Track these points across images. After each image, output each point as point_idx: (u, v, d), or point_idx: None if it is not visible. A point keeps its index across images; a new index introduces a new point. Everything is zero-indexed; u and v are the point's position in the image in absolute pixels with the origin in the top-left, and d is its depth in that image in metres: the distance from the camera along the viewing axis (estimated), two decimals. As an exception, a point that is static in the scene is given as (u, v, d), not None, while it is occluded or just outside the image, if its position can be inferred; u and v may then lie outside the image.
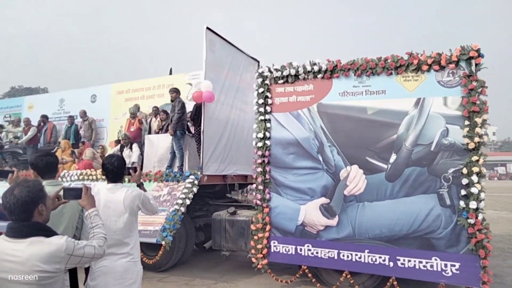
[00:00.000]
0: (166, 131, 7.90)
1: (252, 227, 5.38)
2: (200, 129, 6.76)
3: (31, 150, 9.81)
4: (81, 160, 8.71)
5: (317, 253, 5.02)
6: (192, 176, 5.99)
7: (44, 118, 10.51)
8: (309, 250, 5.07)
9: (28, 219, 1.86)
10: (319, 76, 5.14)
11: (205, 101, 6.22)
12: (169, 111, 8.35)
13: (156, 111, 8.80)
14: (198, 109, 6.98)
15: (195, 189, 5.84)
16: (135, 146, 7.74)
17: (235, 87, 7.22)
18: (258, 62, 8.38)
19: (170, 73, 11.37)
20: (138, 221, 2.85)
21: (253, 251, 5.34)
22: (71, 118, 10.13)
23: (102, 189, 2.74)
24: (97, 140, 10.10)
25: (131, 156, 7.66)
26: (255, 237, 5.32)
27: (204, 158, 6.19)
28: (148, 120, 8.94)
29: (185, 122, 7.05)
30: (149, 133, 8.71)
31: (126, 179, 4.77)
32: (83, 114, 9.99)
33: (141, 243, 5.48)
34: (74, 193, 2.27)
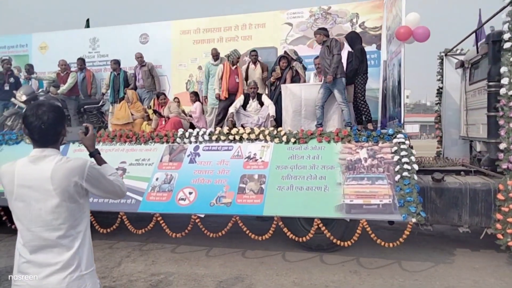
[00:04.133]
0: (285, 81, 6.40)
1: (500, 196, 4.37)
2: (363, 77, 5.49)
3: (73, 103, 7.56)
4: (160, 118, 6.82)
5: None
6: (400, 135, 4.70)
7: (82, 63, 8.12)
8: None
9: None
10: None
11: (417, 40, 4.83)
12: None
13: (255, 56, 7.09)
14: (362, 52, 5.58)
15: (414, 152, 4.60)
16: (266, 98, 6.08)
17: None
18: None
19: (87, 25, 9.50)
20: None
21: (498, 226, 4.37)
22: (117, 63, 7.93)
23: (20, 161, 1.70)
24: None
25: (260, 110, 6.02)
26: (504, 209, 4.33)
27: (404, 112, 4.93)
28: (244, 68, 7.20)
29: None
30: (247, 83, 7.04)
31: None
32: (141, 58, 7.83)
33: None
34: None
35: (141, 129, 6.93)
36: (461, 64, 6.53)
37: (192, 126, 7.07)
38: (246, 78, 7.09)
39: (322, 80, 6.30)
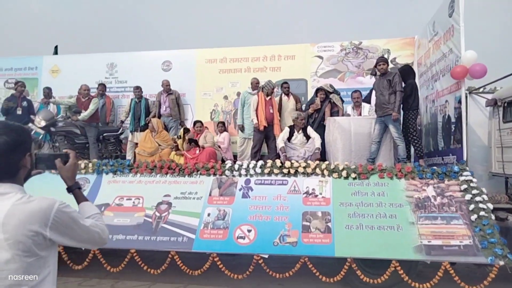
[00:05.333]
0: (323, 113, 6.34)
1: None
2: (415, 112, 5.50)
3: (93, 130, 7.08)
4: (192, 148, 6.50)
5: None
6: (467, 173, 4.62)
7: (103, 89, 7.75)
8: None
9: None
10: None
11: (473, 77, 4.86)
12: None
13: (287, 88, 6.99)
14: (414, 86, 5.61)
15: (484, 190, 4.50)
16: (312, 131, 5.90)
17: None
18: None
19: (56, 52, 9.31)
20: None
21: None
22: (139, 91, 7.61)
23: None
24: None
25: (306, 143, 5.83)
26: None
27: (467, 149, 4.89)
28: (277, 99, 7.06)
29: None
30: (280, 115, 6.88)
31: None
32: (168, 86, 7.56)
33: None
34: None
35: (169, 159, 6.55)
36: (495, 102, 6.66)
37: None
38: (279, 110, 6.94)
39: (362, 113, 6.27)
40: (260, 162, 5.20)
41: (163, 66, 8.23)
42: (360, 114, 6.30)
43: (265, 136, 6.63)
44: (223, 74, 7.96)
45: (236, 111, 7.59)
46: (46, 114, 6.60)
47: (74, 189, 1.59)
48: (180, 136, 6.94)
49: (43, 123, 6.50)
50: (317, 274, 4.26)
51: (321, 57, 7.62)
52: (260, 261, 4.30)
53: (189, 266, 4.51)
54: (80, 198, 1.60)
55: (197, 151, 6.43)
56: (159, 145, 6.79)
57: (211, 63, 8.03)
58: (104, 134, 7.36)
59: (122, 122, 7.76)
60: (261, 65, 7.83)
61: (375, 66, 5.59)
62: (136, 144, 7.54)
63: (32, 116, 6.82)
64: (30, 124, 6.62)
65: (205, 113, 7.95)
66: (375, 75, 5.77)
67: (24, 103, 7.24)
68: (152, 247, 4.54)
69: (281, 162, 5.13)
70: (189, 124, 7.88)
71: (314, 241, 4.30)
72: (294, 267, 4.27)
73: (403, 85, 5.44)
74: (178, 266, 4.48)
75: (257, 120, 6.55)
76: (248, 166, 5.15)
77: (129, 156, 7.45)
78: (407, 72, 5.74)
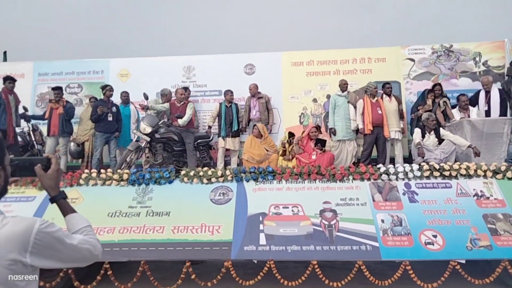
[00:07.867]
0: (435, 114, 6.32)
1: None
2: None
3: (191, 136, 6.68)
4: (301, 151, 6.27)
5: None
6: None
7: (187, 92, 7.35)
8: None
9: None
10: None
11: None
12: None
13: (390, 89, 6.89)
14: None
15: None
16: (445, 132, 5.81)
17: None
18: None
19: (5, 59, 8.74)
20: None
21: None
22: (231, 94, 7.27)
23: None
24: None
25: (437, 145, 5.74)
26: None
27: None
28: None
29: None
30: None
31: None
32: (254, 90, 7.28)
33: None
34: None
35: (277, 165, 6.28)
36: None
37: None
38: (381, 111, 6.83)
39: (470, 116, 6.28)
40: (415, 166, 5.05)
41: (246, 69, 7.94)
42: (468, 117, 6.31)
43: (375, 138, 6.50)
44: (311, 76, 7.78)
45: (327, 114, 7.46)
46: (151, 120, 6.14)
47: (58, 199, 1.38)
48: (288, 140, 6.68)
49: (148, 130, 6.05)
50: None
51: (412, 60, 7.62)
52: (457, 267, 4.14)
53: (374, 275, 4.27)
54: (66, 210, 1.37)
55: (313, 156, 6.21)
56: (267, 150, 6.50)
57: (297, 66, 7.83)
58: (199, 141, 6.96)
59: (210, 127, 7.38)
60: (351, 68, 7.72)
61: None
62: (227, 150, 7.24)
63: (138, 124, 6.35)
64: (134, 131, 6.14)
65: (293, 117, 7.72)
66: (510, 76, 5.80)
67: (114, 109, 6.75)
68: (335, 257, 4.28)
69: (438, 164, 5.00)
70: (276, 129, 7.66)
71: (509, 243, 4.20)
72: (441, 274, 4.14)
73: None
74: (362, 276, 4.24)
75: (363, 124, 6.44)
76: (404, 169, 5.00)
77: (220, 163, 7.11)
78: None
